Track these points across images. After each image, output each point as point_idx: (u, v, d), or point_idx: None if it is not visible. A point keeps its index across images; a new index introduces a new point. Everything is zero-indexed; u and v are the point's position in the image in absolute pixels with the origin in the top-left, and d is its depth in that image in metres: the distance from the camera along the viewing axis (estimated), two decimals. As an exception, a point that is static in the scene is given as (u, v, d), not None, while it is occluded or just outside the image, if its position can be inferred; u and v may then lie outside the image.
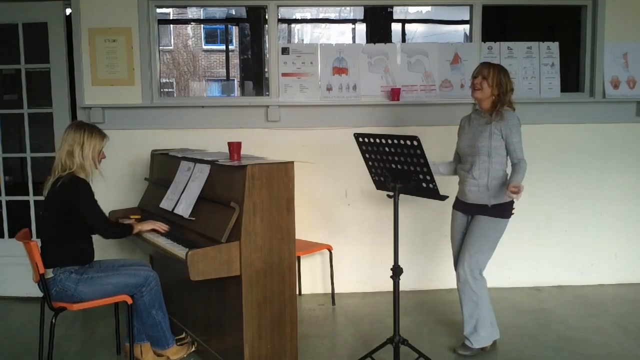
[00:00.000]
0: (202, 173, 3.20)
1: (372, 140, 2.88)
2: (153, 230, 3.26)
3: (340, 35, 11.65)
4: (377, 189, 3.10)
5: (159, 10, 4.43)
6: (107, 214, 3.76)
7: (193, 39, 20.97)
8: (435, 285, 4.47)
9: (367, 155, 2.99)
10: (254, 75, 10.09)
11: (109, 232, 3.17)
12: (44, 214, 3.09)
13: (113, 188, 4.25)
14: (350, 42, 9.77)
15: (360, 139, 2.95)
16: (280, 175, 2.90)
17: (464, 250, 3.21)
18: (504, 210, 3.18)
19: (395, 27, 8.17)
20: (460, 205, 3.33)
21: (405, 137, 2.69)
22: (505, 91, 3.17)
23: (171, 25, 18.00)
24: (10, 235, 4.32)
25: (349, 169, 4.29)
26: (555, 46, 4.43)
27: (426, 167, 2.71)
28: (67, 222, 2.97)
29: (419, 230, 4.42)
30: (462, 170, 3.29)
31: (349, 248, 4.41)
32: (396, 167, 2.84)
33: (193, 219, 3.11)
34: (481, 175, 3.17)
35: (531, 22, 6.54)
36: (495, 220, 3.17)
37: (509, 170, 3.20)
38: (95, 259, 3.17)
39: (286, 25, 10.90)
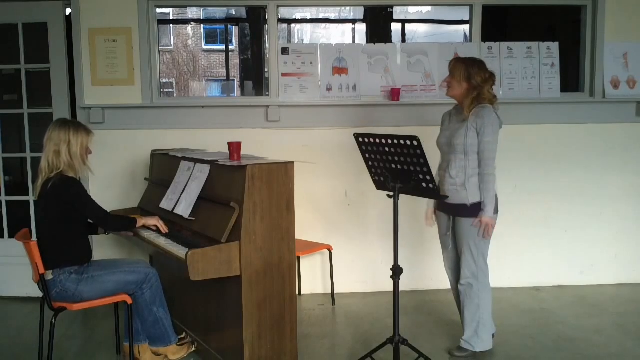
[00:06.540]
0: (202, 173, 3.20)
1: (372, 140, 2.87)
2: (156, 226, 3.26)
3: (340, 35, 11.64)
4: (377, 189, 3.09)
5: (159, 10, 4.43)
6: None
7: (193, 39, 20.96)
8: (435, 285, 4.46)
9: (367, 155, 2.99)
10: (254, 75, 10.07)
11: (110, 224, 3.18)
12: (39, 216, 3.09)
13: (113, 188, 4.26)
14: (350, 42, 9.78)
15: (360, 139, 2.94)
16: (280, 175, 2.90)
17: (460, 256, 3.19)
18: None
19: (395, 27, 8.17)
20: (442, 206, 3.26)
21: (405, 137, 2.69)
22: (477, 84, 3.08)
23: (171, 25, 17.98)
24: (10, 235, 4.32)
25: (349, 169, 4.29)
26: (555, 46, 4.43)
27: (426, 167, 2.71)
28: (63, 223, 2.97)
29: (419, 230, 4.41)
30: (440, 169, 3.25)
31: (349, 248, 4.41)
32: (396, 167, 2.84)
33: (193, 219, 3.11)
34: (458, 174, 3.12)
35: (531, 22, 6.54)
36: (476, 220, 3.11)
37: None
38: (94, 259, 3.18)
39: (286, 25, 10.88)
